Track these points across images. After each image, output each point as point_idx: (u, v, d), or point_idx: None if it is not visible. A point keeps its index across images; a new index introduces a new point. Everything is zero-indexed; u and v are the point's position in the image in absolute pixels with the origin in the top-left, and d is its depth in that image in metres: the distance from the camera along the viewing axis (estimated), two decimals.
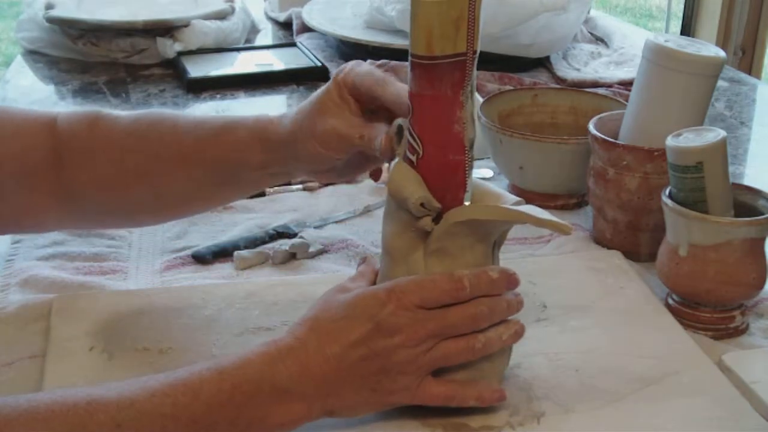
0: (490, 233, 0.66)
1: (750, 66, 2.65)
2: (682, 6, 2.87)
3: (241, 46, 1.58)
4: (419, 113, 0.63)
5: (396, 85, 0.69)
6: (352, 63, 0.72)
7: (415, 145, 0.64)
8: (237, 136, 0.74)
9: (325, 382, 0.62)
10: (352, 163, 0.74)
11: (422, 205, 0.63)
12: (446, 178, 0.64)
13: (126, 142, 0.76)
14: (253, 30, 1.69)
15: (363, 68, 0.71)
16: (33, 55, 1.55)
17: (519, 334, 0.66)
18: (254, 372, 0.61)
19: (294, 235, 0.94)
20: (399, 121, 0.66)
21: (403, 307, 0.62)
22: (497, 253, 0.68)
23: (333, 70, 1.42)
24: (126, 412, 0.57)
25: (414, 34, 0.61)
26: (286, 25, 1.71)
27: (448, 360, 0.64)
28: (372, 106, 0.70)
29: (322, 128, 0.70)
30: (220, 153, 0.74)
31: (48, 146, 0.76)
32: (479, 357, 0.65)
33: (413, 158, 0.64)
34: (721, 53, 0.86)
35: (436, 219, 0.65)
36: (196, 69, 1.42)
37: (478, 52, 0.62)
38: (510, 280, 0.65)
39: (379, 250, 0.90)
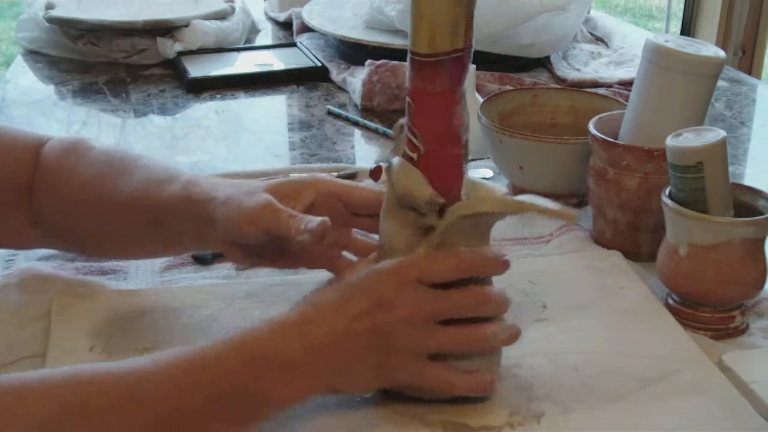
0: (489, 226, 0.67)
1: (750, 66, 2.65)
2: (682, 6, 2.87)
3: (241, 46, 1.58)
4: (421, 110, 0.64)
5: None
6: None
7: (417, 143, 0.65)
8: (169, 193, 0.74)
9: (332, 358, 0.62)
10: (269, 249, 0.74)
11: (431, 203, 0.64)
12: (448, 172, 0.65)
13: (85, 179, 0.78)
14: (253, 30, 1.69)
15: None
16: (33, 55, 1.55)
17: (514, 336, 0.66)
18: (261, 348, 0.62)
19: None
20: (401, 121, 0.67)
21: (405, 282, 0.63)
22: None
23: (333, 70, 1.43)
24: (138, 385, 0.58)
25: (416, 32, 0.62)
26: (286, 25, 1.71)
27: (454, 346, 0.65)
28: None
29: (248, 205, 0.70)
30: (150, 206, 0.75)
31: (30, 170, 0.79)
32: (491, 348, 0.66)
33: (414, 156, 0.65)
34: (721, 53, 0.86)
35: (439, 213, 0.65)
36: (196, 69, 1.42)
37: (473, 46, 0.63)
38: (502, 262, 0.66)
39: None
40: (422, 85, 0.63)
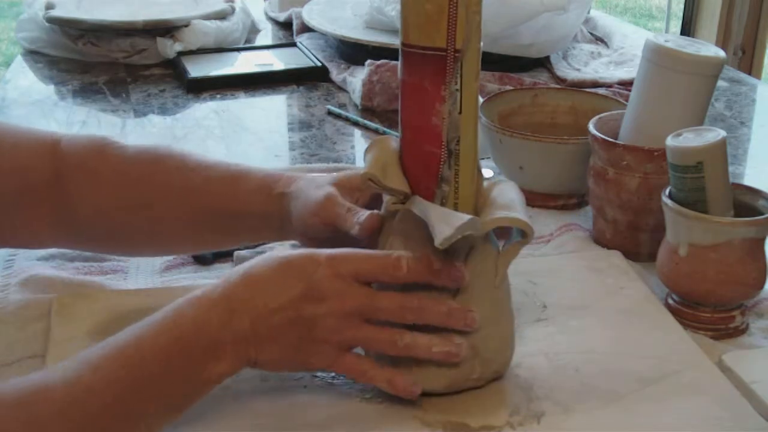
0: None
1: (750, 66, 2.65)
2: (682, 6, 2.87)
3: (241, 46, 1.58)
4: (402, 97, 0.66)
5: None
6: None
7: (401, 129, 0.67)
8: (247, 187, 0.75)
9: (249, 334, 0.63)
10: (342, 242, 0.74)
11: (371, 180, 0.65)
12: (420, 166, 0.66)
13: (133, 172, 0.77)
14: (253, 30, 1.69)
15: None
16: (33, 55, 1.55)
17: (452, 355, 0.64)
18: (187, 325, 0.62)
19: None
20: None
21: (337, 274, 0.63)
22: (482, 268, 0.66)
23: (333, 70, 1.43)
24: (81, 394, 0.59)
25: (401, 19, 0.64)
26: (286, 25, 1.71)
27: (368, 344, 0.65)
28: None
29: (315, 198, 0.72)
30: (226, 200, 0.76)
31: (50, 166, 0.78)
32: (401, 355, 0.64)
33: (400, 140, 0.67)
34: (721, 53, 0.86)
35: (402, 202, 0.67)
36: (196, 69, 1.42)
37: (468, 52, 0.63)
38: (454, 275, 0.64)
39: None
40: (401, 72, 0.65)
